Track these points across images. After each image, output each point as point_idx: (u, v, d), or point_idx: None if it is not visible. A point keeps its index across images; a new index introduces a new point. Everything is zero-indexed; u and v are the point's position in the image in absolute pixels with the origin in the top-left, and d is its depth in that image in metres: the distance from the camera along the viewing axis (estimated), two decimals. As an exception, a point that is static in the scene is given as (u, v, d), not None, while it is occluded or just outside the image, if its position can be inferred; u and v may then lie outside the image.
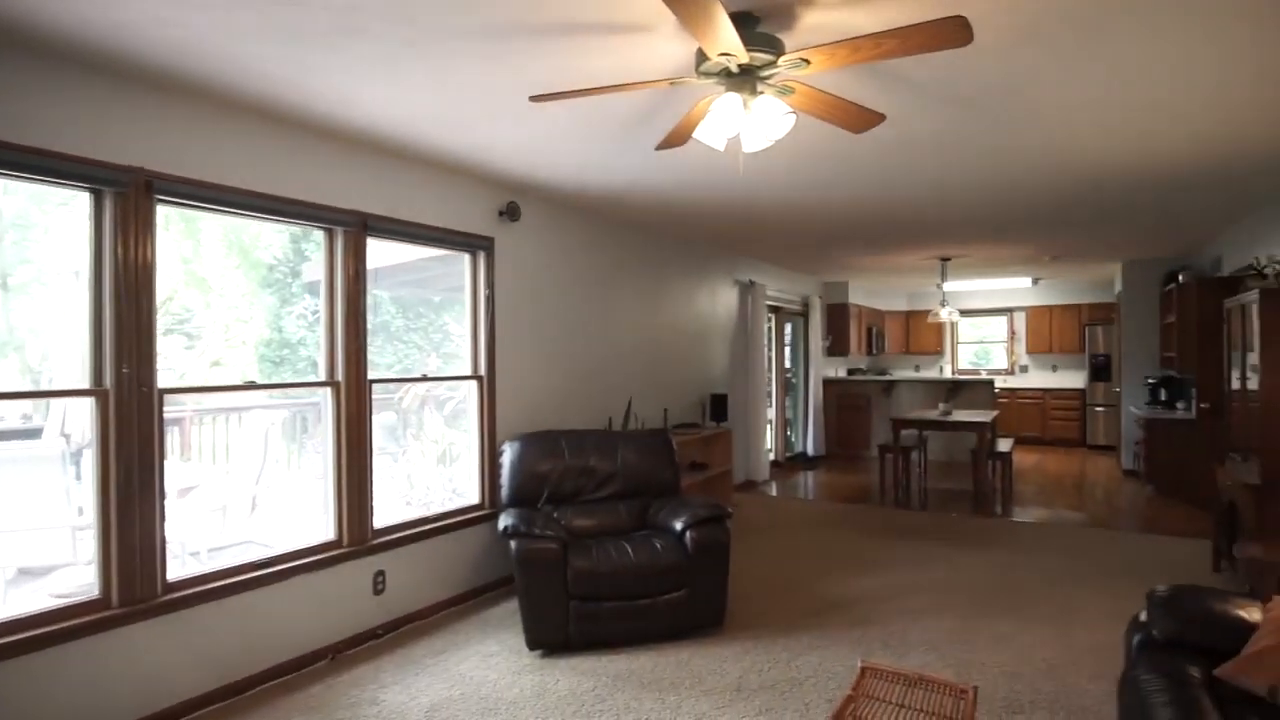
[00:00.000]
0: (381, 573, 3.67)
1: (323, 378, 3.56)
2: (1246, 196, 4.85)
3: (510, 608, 4.00)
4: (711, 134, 2.23)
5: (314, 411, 3.95)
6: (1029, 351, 11.57)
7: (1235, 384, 4.55)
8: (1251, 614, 2.29)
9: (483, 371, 4.35)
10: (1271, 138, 3.55)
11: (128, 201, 2.70)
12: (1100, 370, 10.36)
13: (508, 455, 4.06)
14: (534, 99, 2.37)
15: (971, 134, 3.46)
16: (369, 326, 3.65)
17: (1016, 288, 11.36)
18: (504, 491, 4.00)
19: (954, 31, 1.81)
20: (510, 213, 4.44)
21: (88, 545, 2.76)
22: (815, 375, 9.57)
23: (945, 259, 7.95)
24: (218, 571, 3.07)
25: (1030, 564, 4.81)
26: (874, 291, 11.71)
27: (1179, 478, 7.00)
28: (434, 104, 3.01)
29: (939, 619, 3.83)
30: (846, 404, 10.19)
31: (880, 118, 2.56)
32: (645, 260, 5.99)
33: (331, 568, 3.45)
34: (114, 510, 2.68)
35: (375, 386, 3.74)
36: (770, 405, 8.80)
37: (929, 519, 6.20)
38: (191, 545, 3.80)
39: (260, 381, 3.66)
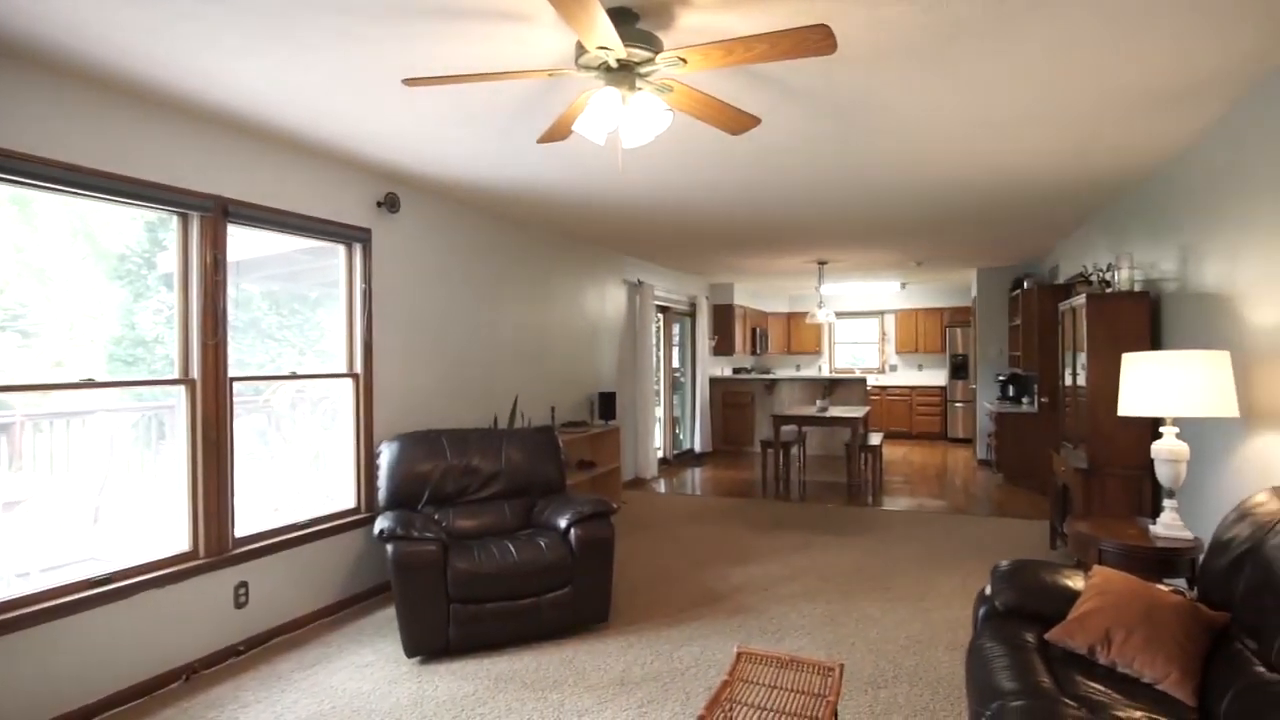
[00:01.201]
0: (244, 584, 3.42)
1: (176, 375, 3.27)
2: (1079, 210, 5.41)
3: (388, 615, 3.84)
4: (591, 127, 2.23)
5: (171, 414, 3.62)
6: (898, 352, 12.38)
7: (1068, 380, 5.05)
8: (1076, 582, 2.55)
9: (359, 369, 4.16)
10: (1100, 157, 3.97)
11: (-69, 174, 2.38)
12: (959, 369, 11.24)
13: (385, 456, 3.90)
14: (407, 82, 2.28)
15: (841, 142, 3.66)
16: (239, 323, 3.40)
17: (887, 292, 12.15)
18: (381, 494, 3.83)
19: (819, 39, 1.91)
20: (389, 204, 4.27)
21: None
22: (702, 374, 9.81)
23: (822, 263, 8.37)
24: (49, 591, 2.76)
25: (896, 549, 5.14)
26: (758, 293, 12.16)
27: (1024, 466, 7.70)
28: (302, 84, 2.85)
29: (813, 604, 4.02)
30: (732, 402, 10.51)
31: (755, 121, 2.66)
32: (533, 257, 5.92)
33: (186, 581, 3.18)
34: (-87, 525, 2.35)
35: (238, 385, 3.48)
36: (659, 403, 8.93)
37: (807, 510, 6.49)
38: (20, 565, 3.39)
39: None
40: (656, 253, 7.66)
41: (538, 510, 4.01)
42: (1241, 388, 2.94)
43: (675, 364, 9.74)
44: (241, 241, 3.55)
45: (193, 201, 3.21)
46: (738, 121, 2.63)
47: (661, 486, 7.82)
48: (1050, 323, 7.16)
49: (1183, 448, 2.93)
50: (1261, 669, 1.91)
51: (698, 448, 9.85)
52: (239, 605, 3.40)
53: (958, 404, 11.29)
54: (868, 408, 8.71)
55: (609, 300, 7.34)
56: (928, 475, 8.40)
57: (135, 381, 3.25)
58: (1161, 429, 2.97)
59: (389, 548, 3.28)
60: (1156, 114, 3.23)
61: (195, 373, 3.29)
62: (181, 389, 3.28)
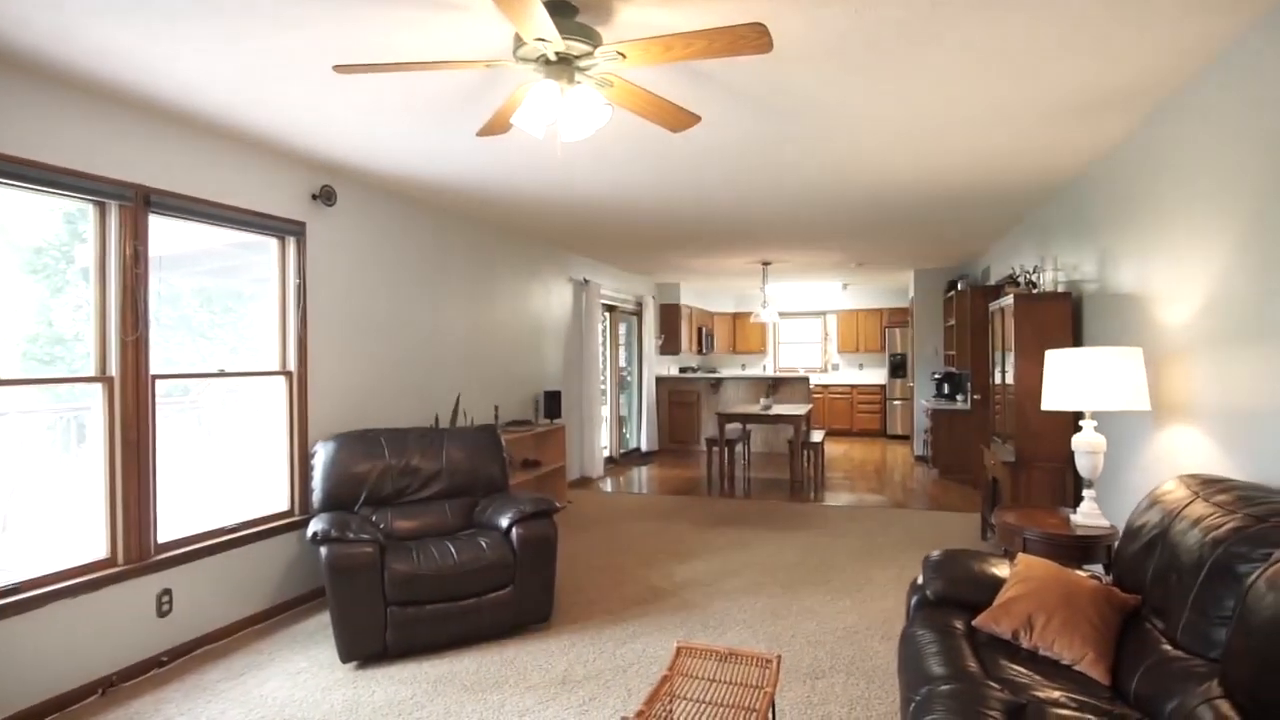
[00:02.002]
0: (167, 591, 3.27)
1: (92, 373, 3.11)
2: (1009, 213, 5.63)
3: (323, 620, 3.73)
4: (529, 120, 2.21)
5: (92, 415, 3.43)
6: (839, 351, 12.66)
7: (998, 378, 5.25)
8: (1002, 570, 2.65)
9: (292, 367, 4.02)
10: (1028, 160, 4.14)
11: None
12: (898, 368, 11.57)
13: (320, 456, 3.78)
14: (338, 69, 2.22)
15: (781, 143, 3.72)
16: (168, 320, 3.24)
17: (829, 293, 12.42)
18: (316, 496, 3.72)
19: (756, 37, 1.93)
20: (325, 197, 4.14)
21: None
22: (649, 373, 9.84)
23: (766, 263, 8.50)
24: (-55, 603, 2.58)
25: (836, 543, 5.25)
26: (704, 293, 12.27)
27: (957, 461, 7.98)
28: (229, 68, 2.74)
29: (755, 598, 4.08)
30: (678, 400, 10.57)
31: (696, 119, 2.68)
32: (477, 254, 5.84)
33: (103, 590, 3.02)
34: None
35: (163, 384, 3.33)
36: (605, 402, 8.92)
37: (751, 506, 6.58)
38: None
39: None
40: (603, 251, 7.65)
41: (479, 510, 3.96)
42: (1152, 382, 3.11)
43: (622, 363, 9.74)
44: (169, 234, 3.39)
45: (110, 190, 3.05)
46: (678, 119, 2.65)
47: (608, 485, 7.81)
48: (982, 323, 7.43)
49: (1100, 440, 3.07)
50: (1168, 646, 2.01)
51: (644, 446, 9.88)
52: (161, 614, 3.25)
53: (896, 402, 11.62)
54: (810, 406, 8.88)
55: (555, 298, 7.29)
56: (867, 471, 8.61)
57: (45, 379, 3.07)
58: (1081, 423, 3.12)
59: (323, 550, 3.18)
60: (1080, 121, 3.38)
61: (114, 370, 3.12)
62: (99, 387, 3.11)
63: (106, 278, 3.11)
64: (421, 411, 5.06)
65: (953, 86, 2.94)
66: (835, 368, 12.81)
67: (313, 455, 3.83)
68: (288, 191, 3.95)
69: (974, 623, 2.40)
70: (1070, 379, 3.07)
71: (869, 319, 12.34)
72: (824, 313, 12.77)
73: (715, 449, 7.91)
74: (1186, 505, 2.23)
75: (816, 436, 7.95)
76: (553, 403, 6.50)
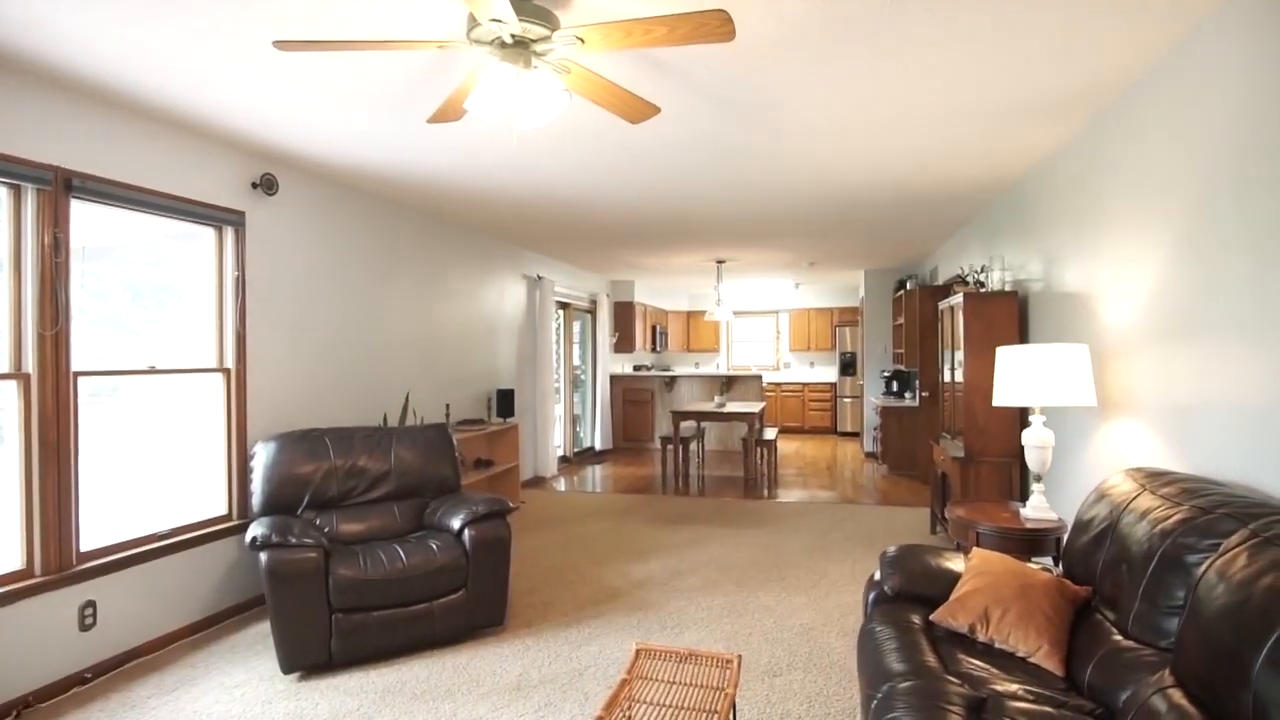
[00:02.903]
0: (91, 604, 3.06)
1: (6, 369, 2.88)
2: (958, 214, 5.75)
3: (264, 630, 3.56)
4: (484, 105, 2.12)
5: (6, 416, 3.19)
6: (791, 350, 12.81)
7: (947, 375, 5.35)
8: (957, 564, 2.67)
9: (230, 364, 3.83)
10: (977, 160, 4.22)
11: None
12: (847, 366, 11.76)
13: (260, 458, 3.61)
14: (279, 45, 2.09)
15: (738, 138, 3.70)
16: (96, 315, 3.03)
17: (782, 292, 12.54)
18: (256, 499, 3.54)
19: (718, 25, 1.89)
20: (266, 185, 3.95)
21: None
22: (603, 371, 9.77)
23: (720, 261, 8.52)
24: None
25: (790, 540, 5.28)
26: (658, 291, 12.25)
27: (906, 457, 8.15)
28: (158, 43, 2.56)
29: (712, 597, 4.05)
30: (632, 399, 10.53)
31: (655, 110, 2.63)
32: (427, 249, 5.68)
33: (18, 603, 2.80)
34: None
35: (87, 382, 3.11)
36: (559, 401, 8.81)
37: (705, 504, 6.57)
38: None
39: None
40: (558, 248, 7.55)
41: (431, 511, 3.83)
42: (1097, 378, 3.20)
43: (576, 361, 9.65)
44: (95, 223, 3.18)
45: (26, 172, 2.83)
46: (637, 109, 2.59)
47: (561, 484, 7.71)
48: (931, 321, 7.59)
49: (1049, 435, 3.14)
50: (1119, 637, 2.05)
51: (598, 445, 9.80)
52: (85, 628, 3.04)
53: (846, 399, 11.81)
54: (763, 403, 8.94)
55: (508, 295, 7.16)
56: (819, 468, 8.72)
57: (-47, 377, 2.83)
58: (1030, 418, 3.18)
59: (262, 556, 3.02)
60: (1030, 122, 3.45)
61: (30, 366, 2.90)
62: (13, 385, 2.89)
63: (22, 267, 2.89)
64: (369, 411, 4.90)
65: (908, 83, 2.95)
66: (787, 366, 12.95)
67: (252, 457, 3.65)
68: (226, 179, 3.76)
69: (931, 617, 2.41)
70: (1020, 375, 3.12)
71: (820, 318, 12.51)
72: (776, 311, 12.90)
73: (670, 447, 7.88)
74: (1134, 498, 2.28)
75: (770, 434, 8.00)
76: (506, 401, 6.37)
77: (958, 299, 4.77)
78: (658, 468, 8.63)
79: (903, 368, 8.78)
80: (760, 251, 7.81)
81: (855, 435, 11.55)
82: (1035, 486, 3.16)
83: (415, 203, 5.21)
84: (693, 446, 8.43)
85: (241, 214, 3.84)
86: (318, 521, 3.58)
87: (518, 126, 2.26)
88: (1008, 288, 4.63)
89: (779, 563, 4.70)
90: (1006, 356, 3.21)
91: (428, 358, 5.66)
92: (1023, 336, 4.49)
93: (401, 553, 3.32)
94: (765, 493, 7.15)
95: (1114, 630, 2.10)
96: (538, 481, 7.68)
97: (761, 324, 13.07)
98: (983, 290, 4.67)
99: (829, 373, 12.51)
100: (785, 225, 6.20)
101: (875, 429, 9.17)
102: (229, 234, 3.83)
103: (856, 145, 3.83)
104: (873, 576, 2.80)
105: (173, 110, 3.25)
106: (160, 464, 3.60)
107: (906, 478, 7.94)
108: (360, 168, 4.23)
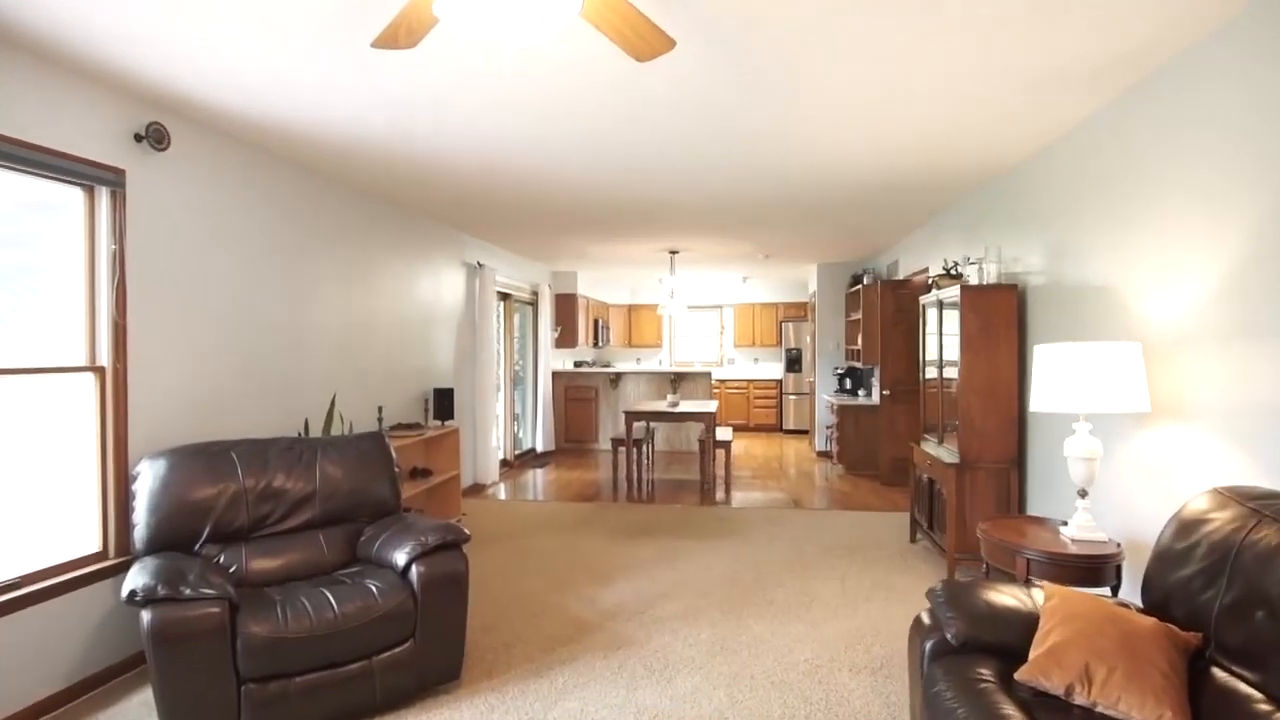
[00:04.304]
0: (-100, 683, 2.28)
1: None
2: (938, 201, 5.44)
3: (149, 697, 2.81)
4: (460, 9, 1.52)
5: None
6: (736, 345, 12.48)
7: (931, 373, 5.03)
8: (1023, 602, 2.25)
9: (105, 361, 3.04)
10: (978, 141, 3.85)
11: None
12: (793, 363, 11.52)
13: (146, 480, 2.86)
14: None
15: (731, 102, 3.19)
16: None
17: (727, 287, 12.19)
18: (140, 532, 2.79)
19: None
20: (154, 138, 3.17)
21: None
22: (545, 368, 9.13)
23: (674, 252, 8.03)
24: None
25: (765, 553, 4.84)
26: (600, 282, 11.66)
27: (865, 457, 7.88)
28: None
29: (696, 627, 3.55)
30: (575, 397, 9.93)
31: (669, 44, 2.08)
32: (355, 229, 4.93)
33: None
34: None
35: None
36: (499, 399, 8.13)
37: (664, 513, 6.07)
38: None
39: None
40: (500, 232, 6.86)
41: (367, 541, 3.17)
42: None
43: (515, 357, 8.97)
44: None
45: None
46: (649, 40, 2.04)
47: (504, 492, 7.05)
48: (893, 317, 7.34)
49: (1096, 446, 2.77)
50: (1265, 703, 1.66)
51: (540, 446, 9.17)
52: (-110, 717, 2.25)
53: (792, 396, 11.56)
54: (717, 402, 8.52)
55: (446, 284, 6.44)
56: (774, 469, 8.37)
57: None
58: (1074, 425, 2.81)
59: (144, 615, 2.31)
60: (1049, 96, 3.10)
61: None
62: None
63: None
64: (287, 417, 4.14)
65: (930, 56, 2.54)
66: (731, 362, 12.62)
67: (135, 478, 2.90)
68: (99, 127, 2.97)
69: (1017, 676, 1.97)
70: (1065, 377, 2.74)
71: (765, 313, 12.23)
72: (720, 306, 12.54)
73: (622, 449, 7.34)
74: (1251, 527, 1.90)
75: (725, 434, 7.57)
76: (444, 402, 5.67)
77: (948, 293, 4.43)
78: (605, 471, 8.08)
79: (858, 365, 8.53)
80: (717, 242, 7.36)
81: (803, 433, 11.32)
82: (1080, 503, 2.79)
83: (343, 173, 4.47)
84: (644, 449, 7.92)
85: (121, 173, 3.06)
86: (221, 559, 2.86)
87: (512, 42, 1.67)
88: (998, 281, 4.32)
89: (761, 582, 4.24)
90: (1048, 356, 2.83)
91: (357, 353, 4.92)
92: (1022, 333, 4.18)
93: (332, 598, 2.65)
94: (724, 498, 6.71)
95: (1256, 693, 1.71)
96: (477, 489, 7.00)
97: (705, 319, 12.69)
98: (970, 284, 4.32)
99: (774, 369, 12.25)
100: (751, 212, 5.75)
101: (829, 428, 8.90)
102: (103, 197, 3.04)
103: (860, 120, 3.40)
104: (921, 620, 2.35)
105: (21, 32, 2.47)
106: (6, 490, 2.79)
107: (865, 478, 7.68)
108: (276, 123, 3.49)
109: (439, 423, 5.66)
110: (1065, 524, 2.89)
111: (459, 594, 2.87)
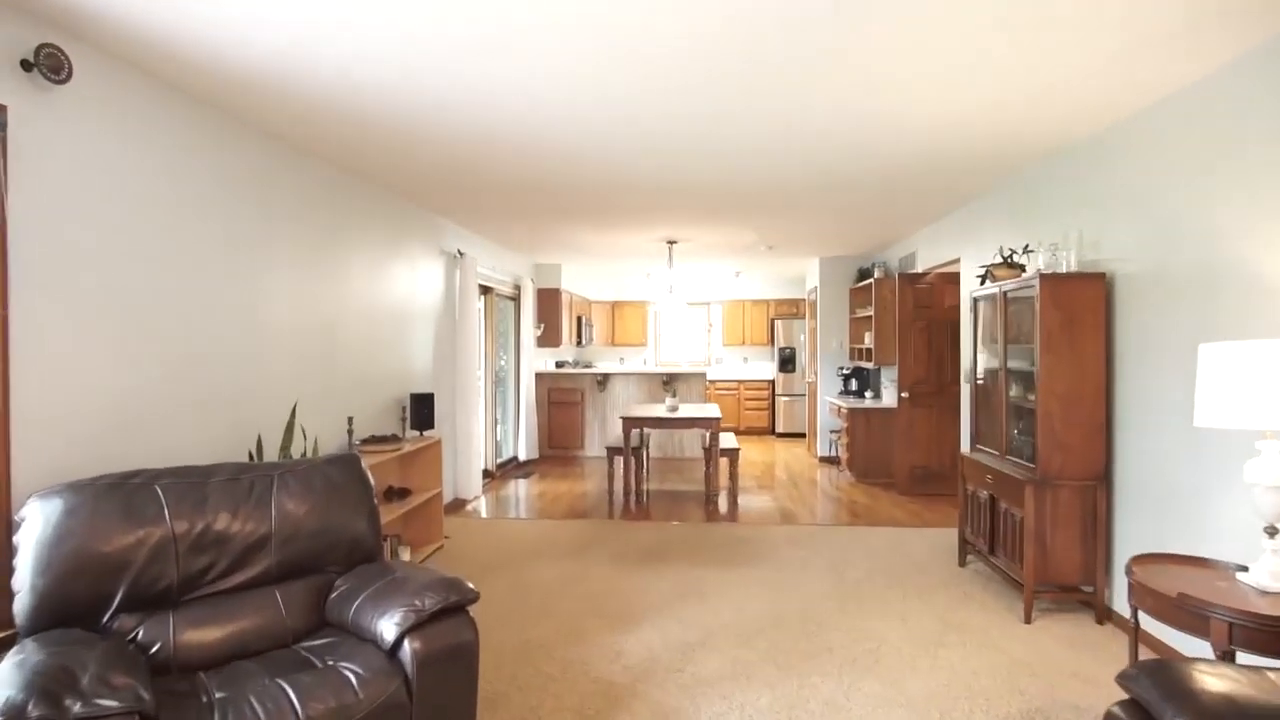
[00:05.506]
0: None
1: None
2: (955, 194, 4.87)
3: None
4: None
5: None
6: (724, 345, 11.87)
7: (980, 376, 4.46)
8: (1259, 690, 1.63)
9: (-20, 365, 2.26)
10: (1053, 110, 3.26)
11: None
12: (786, 362, 10.95)
13: (35, 527, 2.08)
14: None
15: (777, 60, 2.53)
16: None
17: (715, 283, 11.58)
18: (22, 602, 2.02)
19: None
20: (48, 67, 2.38)
21: None
22: (528, 368, 8.38)
23: (672, 242, 7.36)
24: None
25: (802, 582, 4.20)
26: (583, 277, 10.92)
27: (878, 463, 7.32)
28: None
29: (750, 690, 2.89)
30: (560, 400, 9.20)
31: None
32: (320, 205, 4.14)
33: None
34: None
35: None
36: (481, 404, 7.36)
37: (671, 532, 5.40)
38: None
39: None
40: (483, 217, 6.10)
41: (339, 597, 2.43)
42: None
43: (497, 356, 8.20)
44: None
45: None
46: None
47: (487, 508, 6.31)
48: (910, 313, 6.79)
49: (1293, 471, 2.18)
50: None
51: (523, 454, 8.42)
52: None
53: (784, 398, 11.00)
54: (718, 405, 7.89)
55: (423, 275, 5.67)
56: (777, 477, 7.76)
57: None
58: (1259, 444, 2.21)
59: (11, 745, 1.56)
60: (1153, 53, 2.50)
61: None
62: None
63: None
64: (235, 436, 3.37)
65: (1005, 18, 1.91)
66: (719, 361, 12.00)
67: (18, 525, 2.12)
68: (-33, 48, 2.18)
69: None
70: (1246, 385, 2.15)
71: (756, 310, 11.65)
72: (708, 303, 11.92)
73: (619, 459, 6.64)
74: None
75: (730, 441, 6.92)
76: (424, 409, 4.92)
77: (1008, 284, 3.86)
78: (595, 482, 7.38)
79: (866, 365, 7.98)
80: (722, 229, 6.69)
81: (797, 436, 10.76)
82: (1269, 544, 2.19)
83: (303, 134, 3.69)
84: (641, 458, 7.23)
85: (1, 109, 2.27)
86: (140, 635, 2.10)
87: None
88: (1071, 269, 3.74)
89: (810, 621, 3.60)
90: (1219, 358, 2.24)
91: (322, 355, 4.14)
92: (1109, 329, 3.60)
93: (293, 695, 1.91)
94: (733, 513, 6.07)
95: None
96: (458, 505, 6.24)
97: (692, 316, 12.04)
98: (1048, 273, 3.73)
99: (765, 369, 11.67)
100: (772, 194, 5.10)
101: (834, 432, 8.33)
102: (-22, 145, 2.25)
103: (925, 83, 2.77)
104: (1113, 715, 1.73)
105: None
106: None
107: (880, 488, 7.10)
108: (213, 52, 2.72)
109: (418, 433, 4.90)
110: (1245, 569, 2.29)
111: (467, 674, 2.16)
